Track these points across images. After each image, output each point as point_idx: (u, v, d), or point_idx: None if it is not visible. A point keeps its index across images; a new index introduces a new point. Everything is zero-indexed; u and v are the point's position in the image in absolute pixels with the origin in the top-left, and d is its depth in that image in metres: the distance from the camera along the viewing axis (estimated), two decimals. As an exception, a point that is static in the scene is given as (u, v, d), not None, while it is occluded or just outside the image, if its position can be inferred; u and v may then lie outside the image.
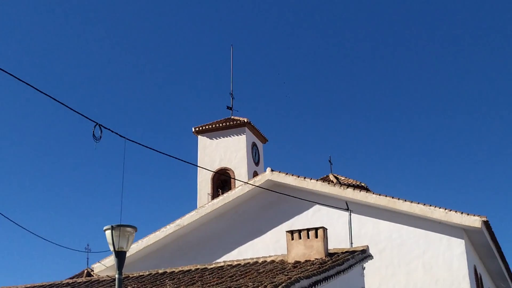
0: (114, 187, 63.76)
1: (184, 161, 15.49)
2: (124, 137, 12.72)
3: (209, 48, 66.18)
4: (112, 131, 12.36)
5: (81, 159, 64.20)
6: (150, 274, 20.86)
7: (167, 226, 27.19)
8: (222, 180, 33.35)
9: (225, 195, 26.87)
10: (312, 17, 66.15)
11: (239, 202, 26.76)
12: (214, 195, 32.13)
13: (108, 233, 12.71)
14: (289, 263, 18.14)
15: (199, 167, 32.28)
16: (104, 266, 26.62)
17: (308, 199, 23.84)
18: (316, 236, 18.44)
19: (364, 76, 67.12)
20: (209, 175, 33.11)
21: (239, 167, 32.93)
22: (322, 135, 67.47)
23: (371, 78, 67.34)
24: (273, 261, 19.06)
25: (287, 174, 25.57)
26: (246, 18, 66.04)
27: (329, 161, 31.19)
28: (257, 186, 25.04)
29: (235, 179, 31.73)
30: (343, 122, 66.96)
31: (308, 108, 68.38)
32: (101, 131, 12.03)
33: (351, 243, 21.62)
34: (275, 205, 25.99)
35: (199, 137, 34.29)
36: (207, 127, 34.20)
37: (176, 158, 14.77)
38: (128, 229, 12.71)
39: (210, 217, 27.05)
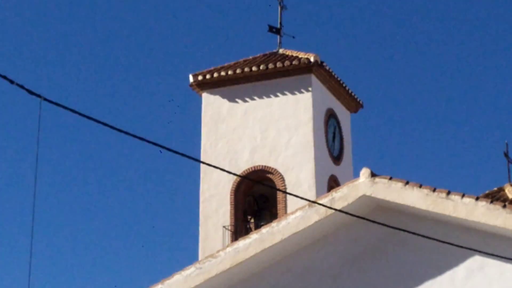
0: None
1: (168, 149, 8.08)
2: (39, 96, 7.83)
3: None
4: (14, 82, 7.39)
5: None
6: None
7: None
8: (257, 197, 18.85)
9: (264, 230, 15.54)
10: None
11: (299, 247, 15.97)
12: (240, 229, 18.48)
13: None
14: None
15: (205, 164, 17.54)
16: None
17: (458, 243, 14.51)
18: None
19: None
20: (228, 182, 18.76)
21: (297, 165, 18.16)
22: (485, 96, 38.04)
23: None
24: None
25: (407, 184, 15.15)
26: None
27: (505, 154, 18.29)
28: (340, 211, 14.94)
29: (287, 193, 17.75)
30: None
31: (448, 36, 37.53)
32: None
33: None
34: (380, 254, 15.84)
35: (204, 95, 19.29)
36: (221, 74, 18.82)
37: (143, 140, 7.86)
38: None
39: (231, 279, 16.10)
